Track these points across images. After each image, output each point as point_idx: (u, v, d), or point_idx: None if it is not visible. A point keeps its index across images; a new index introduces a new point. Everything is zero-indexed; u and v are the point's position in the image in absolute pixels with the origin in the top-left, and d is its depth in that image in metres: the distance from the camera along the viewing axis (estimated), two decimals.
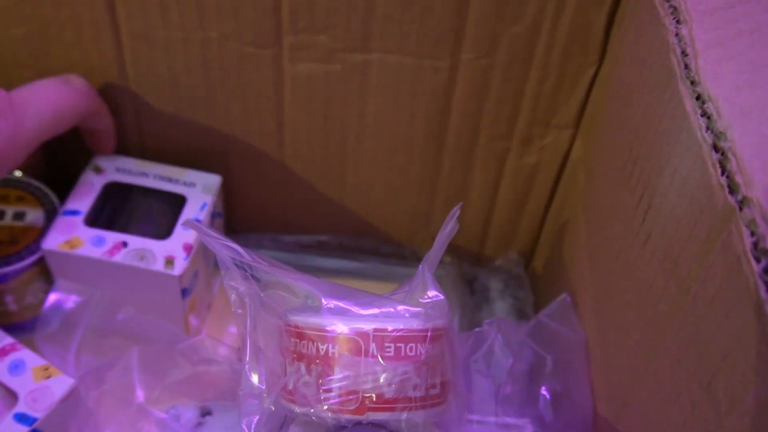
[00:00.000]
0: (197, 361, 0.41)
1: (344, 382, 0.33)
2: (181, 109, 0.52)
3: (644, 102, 0.36)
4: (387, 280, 0.59)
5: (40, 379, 0.41)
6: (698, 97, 0.30)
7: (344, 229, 0.59)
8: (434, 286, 0.36)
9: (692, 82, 0.30)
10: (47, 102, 0.44)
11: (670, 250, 0.31)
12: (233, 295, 0.37)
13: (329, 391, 0.33)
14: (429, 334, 0.34)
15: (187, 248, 0.47)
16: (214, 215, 0.52)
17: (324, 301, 0.34)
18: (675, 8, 0.34)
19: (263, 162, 0.55)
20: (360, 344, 0.33)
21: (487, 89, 0.49)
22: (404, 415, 0.33)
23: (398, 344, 0.33)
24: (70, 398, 0.40)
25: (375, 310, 0.34)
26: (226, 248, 0.35)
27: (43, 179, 0.52)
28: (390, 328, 0.33)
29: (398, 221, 0.59)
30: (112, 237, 0.47)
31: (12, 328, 0.46)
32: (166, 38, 0.47)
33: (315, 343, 0.33)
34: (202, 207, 0.50)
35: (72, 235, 0.47)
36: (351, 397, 0.33)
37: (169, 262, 0.46)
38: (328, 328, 0.33)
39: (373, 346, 0.33)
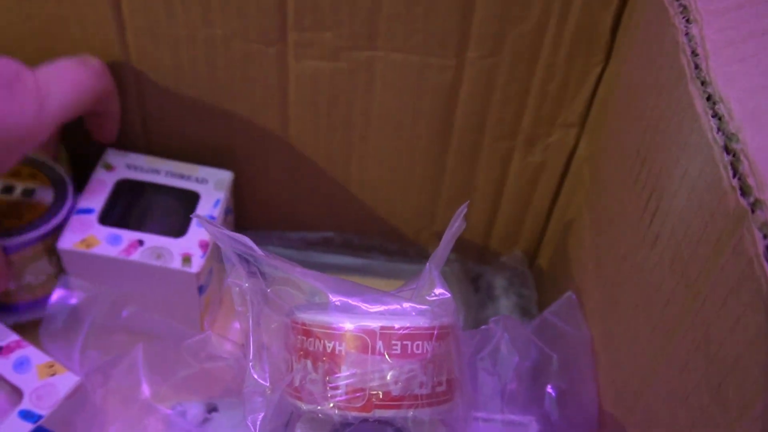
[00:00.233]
0: (203, 357, 0.41)
1: (351, 380, 0.33)
2: (186, 106, 0.52)
3: (653, 102, 0.36)
4: (392, 277, 0.59)
5: (44, 377, 0.41)
6: (709, 98, 0.30)
7: (350, 226, 0.59)
8: (441, 284, 0.36)
9: (703, 83, 0.30)
10: (69, 82, 0.44)
11: (679, 253, 0.31)
12: (236, 293, 0.37)
13: (336, 388, 0.33)
14: (435, 332, 0.34)
15: (203, 245, 0.47)
16: (226, 211, 0.52)
17: (331, 298, 0.34)
18: (685, 7, 0.34)
19: (269, 159, 0.55)
20: (367, 342, 0.33)
21: (493, 88, 0.49)
22: (411, 413, 0.33)
23: (405, 342, 0.33)
24: (75, 395, 0.40)
25: (382, 308, 0.34)
26: (235, 243, 0.35)
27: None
28: (397, 326, 0.33)
29: (403, 218, 0.59)
30: (128, 235, 0.47)
31: (7, 309, 0.46)
32: (171, 35, 0.47)
33: (322, 341, 0.33)
34: (216, 203, 0.50)
35: (87, 234, 0.47)
36: (358, 394, 0.33)
37: (186, 259, 0.46)
38: (335, 326, 0.33)
39: (380, 343, 0.33)
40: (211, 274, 0.49)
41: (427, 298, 0.35)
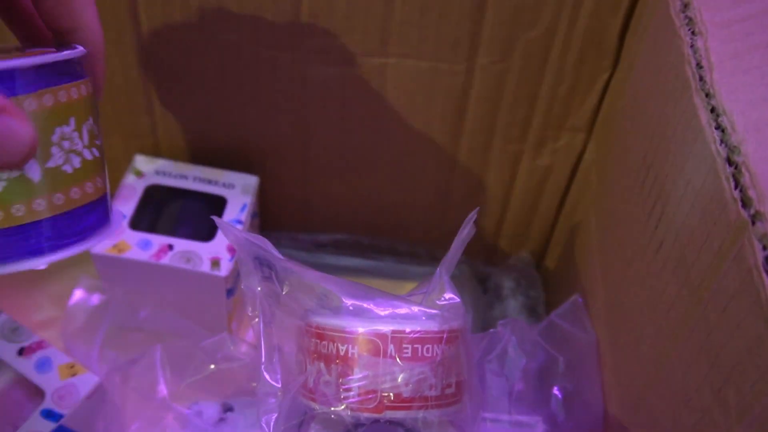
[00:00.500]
0: (219, 358, 0.42)
1: (363, 382, 0.34)
2: (199, 111, 0.53)
3: (658, 110, 0.37)
4: (401, 279, 0.60)
5: (66, 377, 0.42)
6: (713, 110, 0.30)
7: (360, 229, 0.60)
8: (451, 289, 0.37)
9: (707, 95, 0.31)
10: None
11: (682, 259, 0.32)
12: (249, 297, 0.38)
13: (349, 390, 0.34)
14: (445, 335, 0.35)
15: (232, 249, 0.48)
16: (252, 215, 0.53)
17: (345, 302, 0.35)
18: (690, 19, 0.35)
19: (281, 163, 0.56)
20: (378, 345, 0.34)
21: (502, 93, 0.49)
22: (421, 414, 0.34)
23: (415, 345, 0.34)
24: (95, 395, 0.42)
25: (393, 312, 0.35)
26: (253, 246, 0.36)
27: None
28: (408, 330, 0.34)
29: (413, 221, 0.59)
30: (158, 240, 0.48)
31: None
32: (186, 41, 0.48)
33: (335, 344, 0.34)
34: (243, 208, 0.51)
35: (119, 240, 0.48)
36: (370, 396, 0.34)
37: (215, 263, 0.47)
38: (348, 330, 0.34)
39: (391, 347, 0.34)
40: (238, 278, 0.50)
41: (437, 302, 0.36)
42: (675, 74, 0.35)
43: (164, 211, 0.53)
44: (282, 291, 0.37)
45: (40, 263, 0.29)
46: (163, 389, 0.41)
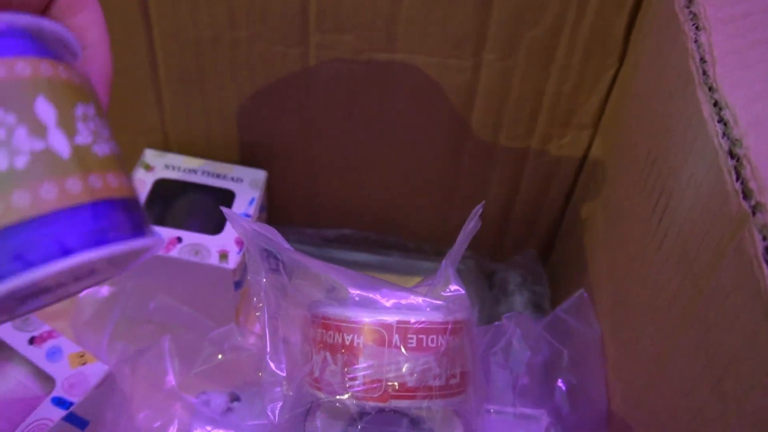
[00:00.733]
0: (227, 348, 0.42)
1: (368, 371, 0.34)
2: (209, 106, 0.53)
3: (663, 106, 0.37)
4: (408, 274, 0.60)
5: (76, 366, 0.43)
6: (716, 104, 0.31)
7: (367, 224, 0.61)
8: (456, 281, 0.37)
9: (710, 89, 0.31)
10: None
11: (685, 252, 0.33)
12: (255, 288, 0.39)
13: (354, 379, 0.34)
14: (450, 326, 0.35)
15: (239, 243, 0.49)
16: (261, 209, 0.54)
17: (351, 292, 0.36)
18: (695, 15, 0.35)
19: (288, 157, 0.56)
20: (384, 335, 0.35)
21: (508, 89, 0.50)
22: (425, 404, 0.35)
23: (420, 336, 0.35)
24: (105, 384, 0.42)
25: (399, 303, 0.36)
26: (261, 236, 0.36)
27: None
28: (413, 320, 0.35)
29: (419, 216, 0.60)
30: (167, 233, 0.49)
31: None
32: (196, 38, 0.49)
33: (341, 334, 0.35)
34: (251, 202, 0.52)
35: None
36: (375, 385, 0.34)
37: (224, 256, 0.48)
38: (353, 320, 0.35)
39: (396, 337, 0.35)
40: (246, 271, 0.51)
41: (443, 294, 0.37)
42: (679, 69, 0.35)
43: (173, 204, 0.53)
44: (288, 281, 0.37)
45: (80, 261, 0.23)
46: (171, 379, 0.42)
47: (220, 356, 0.42)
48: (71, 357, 0.43)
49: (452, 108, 0.51)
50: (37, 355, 0.43)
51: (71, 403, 0.41)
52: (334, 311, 0.35)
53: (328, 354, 0.35)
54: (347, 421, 0.35)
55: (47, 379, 0.43)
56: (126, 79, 0.51)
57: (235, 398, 0.42)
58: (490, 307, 0.60)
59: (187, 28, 0.49)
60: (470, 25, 0.46)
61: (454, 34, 0.47)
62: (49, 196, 0.23)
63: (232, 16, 0.47)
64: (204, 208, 0.53)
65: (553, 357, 0.44)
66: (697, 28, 0.35)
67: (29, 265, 0.22)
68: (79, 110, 0.25)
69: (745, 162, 0.28)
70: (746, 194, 0.27)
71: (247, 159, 0.55)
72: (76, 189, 0.23)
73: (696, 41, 0.34)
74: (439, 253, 0.61)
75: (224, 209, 0.37)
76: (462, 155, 0.54)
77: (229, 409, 0.41)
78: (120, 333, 0.48)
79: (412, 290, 0.36)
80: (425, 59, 0.48)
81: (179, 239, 0.49)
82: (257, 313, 0.39)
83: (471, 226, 0.38)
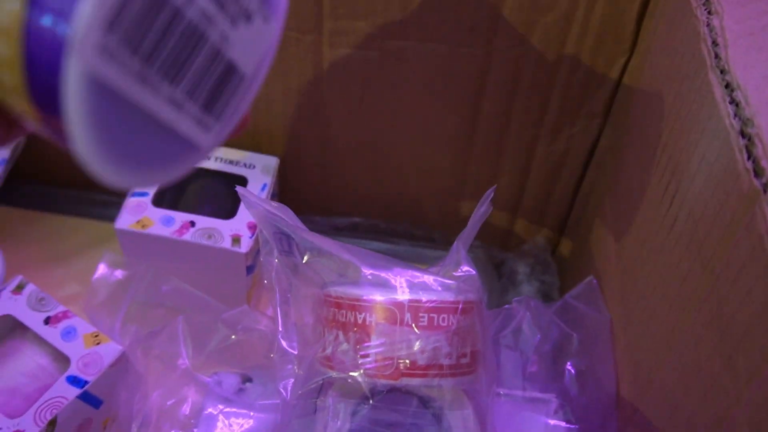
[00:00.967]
0: (239, 330, 0.43)
1: (380, 349, 0.35)
2: None
3: (674, 90, 0.38)
4: (418, 263, 0.60)
5: (90, 345, 0.43)
6: (727, 86, 0.31)
7: (377, 212, 0.61)
8: (467, 262, 0.38)
9: (722, 71, 0.32)
10: None
11: (695, 233, 0.33)
12: (267, 268, 0.39)
13: (366, 356, 0.35)
14: (460, 306, 0.36)
15: (252, 227, 0.49)
16: (272, 195, 0.54)
17: (363, 271, 0.36)
18: (707, 0, 0.35)
19: (299, 144, 0.57)
20: (396, 313, 0.35)
21: (520, 77, 0.50)
22: (436, 381, 0.35)
23: (432, 314, 0.35)
24: (119, 364, 0.43)
25: (411, 282, 0.36)
26: (274, 215, 0.37)
27: None
28: (424, 299, 0.35)
29: (429, 205, 0.60)
30: (180, 217, 0.49)
31: None
32: None
33: (353, 312, 0.35)
34: (263, 187, 0.52)
35: (142, 216, 0.49)
36: (387, 362, 0.35)
37: (236, 240, 0.48)
38: (365, 298, 0.35)
39: (408, 315, 0.35)
40: (258, 255, 0.52)
41: (454, 274, 0.37)
42: (691, 53, 0.35)
43: (186, 189, 0.54)
44: (302, 260, 0.38)
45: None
46: (184, 359, 0.42)
47: (233, 337, 0.43)
48: (86, 337, 0.44)
49: (463, 96, 0.51)
50: (52, 334, 0.44)
51: (86, 382, 0.42)
52: (347, 290, 0.36)
53: (340, 332, 0.36)
54: (358, 398, 0.36)
55: (62, 359, 0.43)
56: None
57: (247, 379, 0.43)
58: (499, 297, 0.60)
59: None
60: (482, 12, 0.47)
61: (466, 22, 0.47)
62: None
63: None
64: (216, 193, 0.54)
65: (563, 341, 0.44)
66: (709, 12, 0.35)
67: None
68: None
69: (756, 141, 0.28)
70: (757, 172, 0.27)
71: (259, 145, 0.56)
72: None
73: (708, 25, 0.34)
74: (448, 242, 0.61)
75: (239, 188, 0.38)
76: (472, 143, 0.55)
77: (241, 390, 0.42)
78: (133, 316, 0.48)
79: (423, 270, 0.37)
80: (437, 46, 0.49)
81: (192, 223, 0.49)
82: (269, 293, 0.39)
83: (483, 209, 0.39)
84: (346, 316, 0.35)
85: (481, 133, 0.54)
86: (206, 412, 0.41)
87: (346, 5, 0.47)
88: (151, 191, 0.51)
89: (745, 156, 0.28)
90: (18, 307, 0.45)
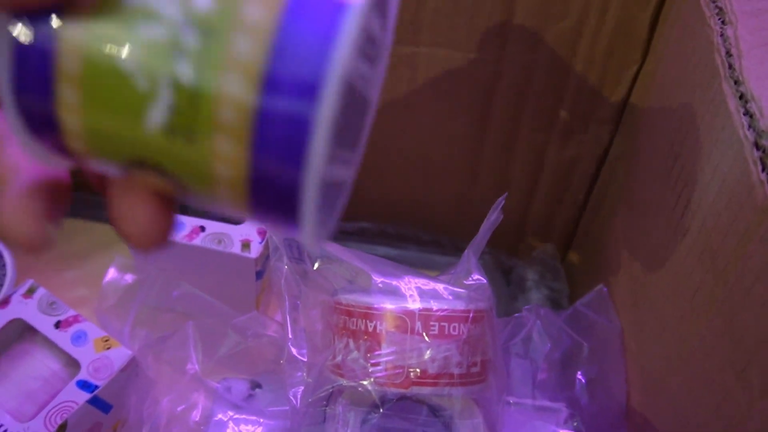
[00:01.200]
0: (249, 336, 0.43)
1: (391, 357, 0.35)
2: None
3: (687, 100, 0.38)
4: (426, 268, 0.60)
5: (101, 350, 0.43)
6: (741, 97, 0.31)
7: (386, 217, 0.61)
8: (478, 270, 0.38)
9: (736, 82, 0.32)
10: None
11: (708, 244, 0.33)
12: (277, 274, 0.39)
13: (377, 365, 0.35)
14: (471, 314, 0.36)
15: (261, 232, 0.49)
16: None
17: (374, 279, 0.36)
18: (720, 9, 0.35)
19: None
20: (406, 322, 0.35)
21: (531, 83, 0.50)
22: (446, 390, 0.35)
23: (442, 323, 0.35)
24: (129, 368, 0.43)
25: (421, 290, 0.36)
26: None
27: None
28: (435, 308, 0.35)
29: (438, 210, 0.60)
30: (190, 222, 0.50)
31: None
32: None
33: (364, 320, 0.35)
34: None
35: None
36: (397, 371, 0.35)
37: (246, 245, 0.48)
38: (376, 306, 0.35)
39: (418, 324, 0.35)
40: (268, 260, 0.52)
41: (465, 282, 0.37)
42: (704, 63, 0.35)
43: None
44: (312, 267, 0.38)
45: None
46: (194, 364, 0.42)
47: (242, 342, 0.43)
48: (96, 341, 0.44)
49: (474, 101, 0.51)
50: (62, 339, 0.44)
51: (96, 387, 0.42)
52: (358, 298, 0.36)
53: (350, 340, 0.36)
54: (368, 407, 0.36)
55: (73, 363, 0.43)
56: None
57: (256, 385, 0.43)
58: (507, 304, 0.60)
59: None
60: (495, 18, 0.47)
61: (478, 28, 0.47)
62: None
63: None
64: None
65: (573, 350, 0.44)
66: (723, 22, 0.35)
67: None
68: None
69: None
70: None
71: None
72: None
73: (722, 35, 0.34)
74: (457, 248, 0.62)
75: None
76: (483, 149, 0.55)
77: (250, 396, 0.42)
78: (142, 320, 0.48)
79: (434, 278, 0.37)
80: (449, 52, 0.49)
81: (202, 228, 0.49)
82: (279, 300, 0.39)
83: (494, 217, 0.39)
84: (356, 324, 0.35)
85: (491, 139, 0.54)
86: (216, 419, 0.41)
87: None
88: None
89: (759, 168, 0.28)
90: (29, 310, 0.45)
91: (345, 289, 0.37)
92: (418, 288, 0.35)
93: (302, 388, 0.37)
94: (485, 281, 0.37)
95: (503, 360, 0.43)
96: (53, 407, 0.41)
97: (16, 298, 0.45)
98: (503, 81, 0.50)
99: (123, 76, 0.16)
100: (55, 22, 0.16)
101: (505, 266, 0.63)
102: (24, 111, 0.17)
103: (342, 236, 0.62)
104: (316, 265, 0.38)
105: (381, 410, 0.35)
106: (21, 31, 0.16)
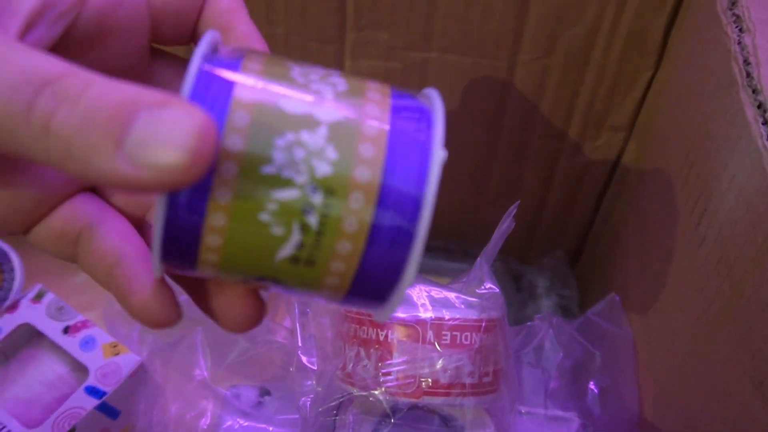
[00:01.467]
0: (258, 342, 0.43)
1: (402, 367, 0.34)
2: None
3: (702, 108, 0.37)
4: (435, 274, 0.59)
5: (109, 356, 0.43)
6: (760, 106, 0.30)
7: None
8: (490, 279, 0.37)
9: (754, 91, 0.31)
10: None
11: (725, 254, 0.32)
12: None
13: (388, 374, 0.34)
14: (483, 324, 0.35)
15: None
16: None
17: None
18: (738, 17, 0.35)
19: None
20: (418, 331, 0.35)
21: (543, 90, 0.50)
22: (458, 401, 0.35)
23: (454, 333, 0.35)
24: (137, 374, 0.42)
25: (433, 299, 0.36)
26: None
27: None
28: (447, 317, 0.35)
29: (448, 216, 0.60)
30: None
31: None
32: None
33: (375, 329, 0.35)
34: None
35: None
36: (409, 381, 0.34)
37: None
38: None
39: (430, 333, 0.35)
40: None
41: (477, 291, 0.37)
42: (721, 71, 0.35)
43: None
44: None
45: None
46: (203, 370, 0.42)
47: (251, 349, 0.43)
48: (105, 347, 0.44)
49: (486, 108, 0.51)
50: (71, 344, 0.44)
51: (104, 393, 0.41)
52: None
53: (361, 349, 0.35)
54: (379, 416, 0.36)
55: (81, 369, 0.43)
56: None
57: (265, 392, 0.42)
58: (517, 311, 0.59)
59: None
60: (507, 24, 0.46)
61: (490, 34, 0.47)
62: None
63: (270, 12, 0.48)
64: None
65: (585, 359, 0.44)
66: (740, 30, 0.34)
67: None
68: None
69: None
70: None
71: None
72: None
73: (740, 43, 0.34)
74: (466, 254, 0.61)
75: None
76: (493, 155, 0.54)
77: (259, 403, 0.42)
78: None
79: (446, 287, 0.36)
80: (460, 58, 0.48)
81: None
82: (289, 307, 0.39)
83: (506, 225, 0.38)
84: (367, 333, 0.35)
85: (502, 146, 0.54)
86: (225, 426, 0.40)
87: (369, 16, 0.47)
88: None
89: None
90: (37, 315, 0.45)
91: None
92: (430, 297, 0.35)
93: (312, 396, 0.37)
94: (498, 290, 0.36)
95: (515, 369, 0.42)
96: (61, 413, 0.41)
97: (25, 303, 0.45)
98: (515, 87, 0.49)
99: (262, 226, 0.20)
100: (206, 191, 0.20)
101: (515, 272, 0.62)
102: (168, 248, 0.20)
103: None
104: None
105: (392, 420, 0.35)
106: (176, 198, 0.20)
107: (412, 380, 0.34)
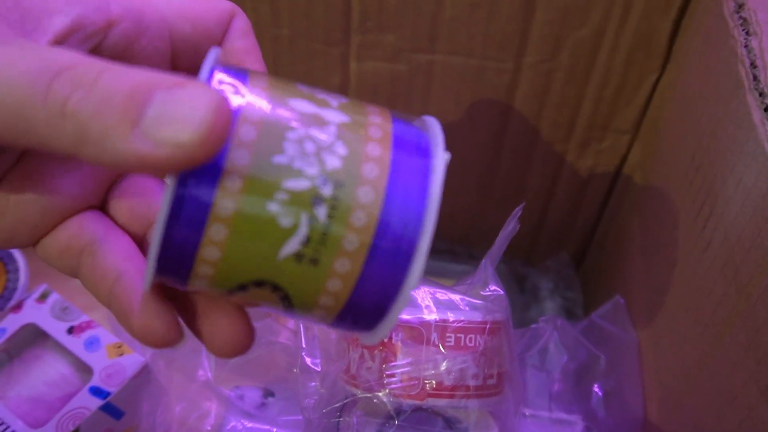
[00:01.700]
0: (262, 343, 0.43)
1: (406, 368, 0.34)
2: None
3: (709, 111, 0.37)
4: (440, 276, 0.60)
5: (113, 356, 0.43)
6: (766, 109, 0.30)
7: None
8: (495, 281, 0.37)
9: (761, 94, 0.31)
10: None
11: (731, 257, 0.32)
12: None
13: (392, 376, 0.34)
14: (488, 326, 0.35)
15: None
16: None
17: None
18: (745, 20, 0.35)
19: None
20: (422, 333, 0.35)
21: (549, 92, 0.50)
22: (462, 403, 0.35)
23: (459, 334, 0.35)
24: (142, 375, 0.43)
25: (438, 301, 0.36)
26: None
27: None
28: (451, 319, 0.35)
29: (453, 218, 0.60)
30: None
31: None
32: None
33: None
34: None
35: None
36: (413, 382, 0.34)
37: None
38: None
39: (434, 335, 0.35)
40: None
41: (482, 293, 0.37)
42: (727, 74, 0.35)
43: None
44: None
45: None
46: (206, 371, 0.42)
47: (255, 351, 0.42)
48: (109, 347, 0.44)
49: (491, 110, 0.51)
50: (75, 344, 0.44)
51: (108, 393, 0.41)
52: None
53: (365, 351, 0.35)
54: (383, 418, 0.35)
55: (85, 369, 0.43)
56: None
57: (269, 393, 0.42)
58: (521, 313, 0.59)
59: None
60: (513, 26, 0.46)
61: (495, 36, 0.47)
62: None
63: (275, 14, 0.48)
64: None
65: (589, 362, 0.44)
66: (747, 32, 0.34)
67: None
68: None
69: None
70: None
71: None
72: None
73: (746, 46, 0.34)
74: (471, 256, 0.61)
75: None
76: (499, 158, 0.54)
77: (263, 404, 0.42)
78: None
79: (451, 289, 0.36)
80: (466, 60, 0.48)
81: None
82: None
83: (510, 227, 0.38)
84: None
85: (507, 148, 0.53)
86: (228, 427, 0.40)
87: (375, 18, 0.47)
88: None
89: None
90: (42, 316, 0.45)
91: None
92: (434, 299, 0.35)
93: (316, 398, 0.37)
94: (502, 292, 0.36)
95: (519, 371, 0.42)
96: (65, 413, 0.41)
97: (29, 303, 0.45)
98: (521, 89, 0.49)
99: (270, 217, 0.20)
100: (216, 176, 0.19)
101: (519, 274, 0.62)
102: (167, 244, 0.20)
103: None
104: None
105: (396, 422, 0.34)
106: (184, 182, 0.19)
107: (416, 382, 0.34)
